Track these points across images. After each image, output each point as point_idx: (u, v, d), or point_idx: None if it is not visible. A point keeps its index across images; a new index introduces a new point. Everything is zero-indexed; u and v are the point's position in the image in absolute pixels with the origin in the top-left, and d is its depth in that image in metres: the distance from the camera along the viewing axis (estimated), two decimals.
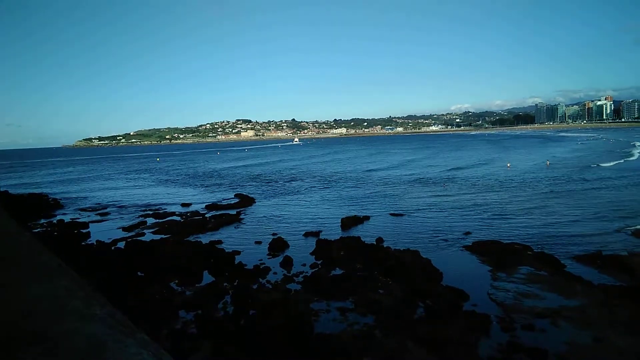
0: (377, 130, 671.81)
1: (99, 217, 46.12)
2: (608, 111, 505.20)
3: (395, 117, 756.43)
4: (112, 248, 31.09)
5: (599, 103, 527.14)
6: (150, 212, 47.15)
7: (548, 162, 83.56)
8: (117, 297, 18.43)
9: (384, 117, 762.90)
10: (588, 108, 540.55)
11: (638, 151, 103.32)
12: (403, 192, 55.19)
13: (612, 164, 78.08)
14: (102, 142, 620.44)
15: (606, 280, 21.62)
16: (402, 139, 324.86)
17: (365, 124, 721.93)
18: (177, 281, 24.01)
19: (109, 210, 50.16)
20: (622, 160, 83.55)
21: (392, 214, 40.92)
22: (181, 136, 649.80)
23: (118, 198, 61.27)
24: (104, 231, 38.65)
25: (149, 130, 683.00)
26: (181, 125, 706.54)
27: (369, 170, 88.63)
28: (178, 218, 43.33)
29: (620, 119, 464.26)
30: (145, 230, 37.90)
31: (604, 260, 24.24)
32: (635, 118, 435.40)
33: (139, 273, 24.89)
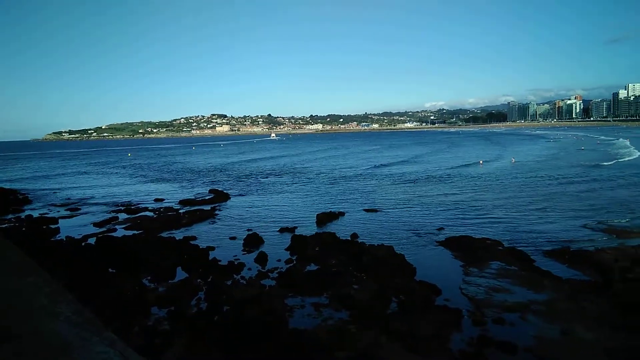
0: (353, 126, 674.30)
1: (68, 213, 45.05)
2: (577, 110, 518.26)
3: (371, 114, 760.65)
4: (83, 244, 30.45)
5: (568, 102, 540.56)
6: (122, 208, 46.29)
7: (513, 160, 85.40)
8: (87, 294, 18.11)
9: (360, 114, 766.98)
10: (558, 107, 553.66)
11: (605, 148, 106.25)
12: (378, 188, 55.57)
13: (581, 161, 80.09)
14: (72, 135, 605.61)
15: (574, 275, 22.22)
16: (379, 136, 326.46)
17: (342, 120, 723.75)
18: (149, 277, 23.68)
19: (80, 206, 49.07)
20: (591, 158, 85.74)
21: (366, 210, 41.16)
22: (155, 130, 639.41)
23: (89, 193, 60.00)
24: (74, 227, 37.80)
25: (122, 124, 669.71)
26: (155, 120, 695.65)
27: (345, 166, 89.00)
28: (151, 214, 42.69)
29: (589, 117, 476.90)
30: (116, 226, 37.23)
31: (572, 256, 24.89)
32: (604, 117, 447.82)
33: (110, 269, 24.46)
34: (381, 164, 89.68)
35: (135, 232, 34.22)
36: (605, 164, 73.45)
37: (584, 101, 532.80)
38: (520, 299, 19.22)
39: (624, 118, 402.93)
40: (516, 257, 24.96)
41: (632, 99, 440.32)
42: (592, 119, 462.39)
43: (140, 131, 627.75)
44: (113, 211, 44.66)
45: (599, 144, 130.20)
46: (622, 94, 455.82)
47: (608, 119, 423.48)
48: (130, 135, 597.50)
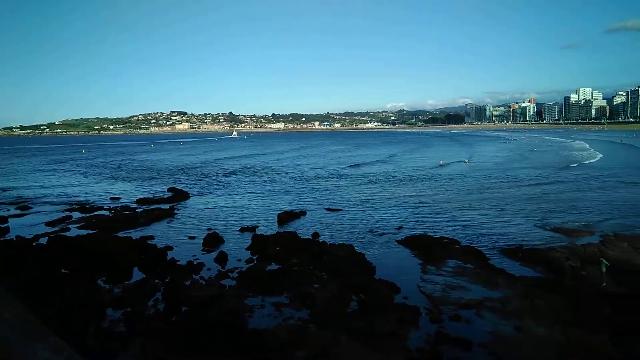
0: (315, 126, 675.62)
1: (19, 212, 43.24)
2: (531, 113, 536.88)
3: (333, 114, 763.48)
4: (34, 244, 29.28)
5: (523, 105, 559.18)
6: (76, 206, 44.79)
7: (467, 161, 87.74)
8: (38, 296, 17.43)
9: (322, 113, 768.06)
10: (513, 109, 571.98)
11: (564, 151, 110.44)
12: (340, 188, 55.90)
13: (535, 162, 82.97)
14: (23, 131, 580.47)
15: (526, 273, 23.02)
16: (347, 136, 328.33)
17: (304, 119, 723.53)
18: (104, 278, 23.04)
19: (31, 204, 47.14)
20: (545, 160, 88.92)
21: (328, 209, 41.34)
22: (111, 127, 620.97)
23: (41, 192, 57.71)
24: (24, 226, 36.34)
25: (76, 120, 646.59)
26: (111, 116, 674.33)
27: (308, 166, 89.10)
28: (107, 212, 41.49)
29: (542, 120, 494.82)
30: (70, 225, 36.00)
31: (524, 254, 25.81)
32: (556, 120, 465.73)
33: (63, 270, 23.61)
34: (351, 164, 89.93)
35: (90, 231, 33.16)
36: (572, 165, 76.12)
37: (537, 104, 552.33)
38: (476, 296, 19.75)
39: (574, 121, 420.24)
40: (472, 255, 25.65)
41: (582, 102, 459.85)
42: (544, 121, 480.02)
43: (95, 128, 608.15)
44: (67, 210, 43.13)
45: (550, 145, 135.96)
46: (573, 97, 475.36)
47: (560, 121, 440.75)
48: (85, 131, 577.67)
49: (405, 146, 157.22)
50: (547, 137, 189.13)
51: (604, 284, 20.37)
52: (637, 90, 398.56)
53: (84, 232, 33.08)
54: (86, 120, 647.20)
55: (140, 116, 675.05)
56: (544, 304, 18.59)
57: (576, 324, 16.60)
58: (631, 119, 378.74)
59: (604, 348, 14.98)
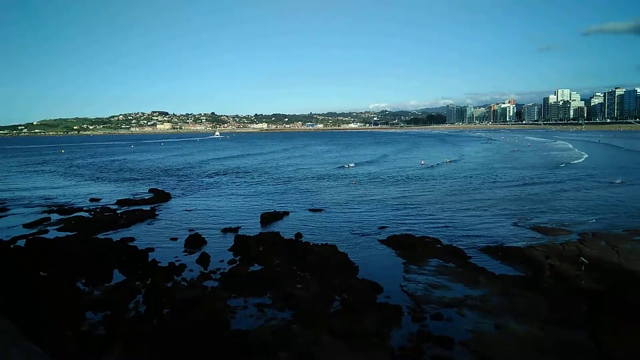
0: (298, 126, 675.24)
1: None
2: (511, 113, 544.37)
3: (316, 114, 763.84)
4: (11, 246, 28.63)
5: (503, 106, 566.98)
6: (55, 208, 44.06)
7: (448, 160, 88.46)
8: (15, 300, 17.08)
9: (305, 114, 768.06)
10: (493, 110, 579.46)
11: (549, 152, 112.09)
12: (322, 188, 55.96)
13: (521, 163, 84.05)
14: (1, 132, 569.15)
15: (506, 271, 23.34)
16: (332, 136, 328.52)
17: (287, 119, 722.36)
18: (84, 280, 22.70)
19: (8, 206, 46.20)
20: (530, 161, 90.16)
21: (311, 209, 41.34)
22: (91, 127, 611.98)
23: (19, 193, 56.63)
24: (2, 228, 35.69)
25: (55, 120, 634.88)
26: (91, 116, 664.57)
27: (289, 166, 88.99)
28: (86, 214, 40.86)
29: (522, 120, 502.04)
30: (49, 227, 35.39)
31: (504, 253, 26.15)
32: (535, 120, 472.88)
33: (41, 273, 23.14)
34: (337, 165, 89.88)
35: (69, 233, 32.66)
36: (560, 165, 77.20)
37: (517, 105, 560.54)
38: (457, 294, 19.95)
39: (553, 122, 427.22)
40: (453, 254, 25.92)
41: (560, 103, 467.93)
42: (524, 122, 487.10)
43: (75, 128, 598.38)
44: (45, 212, 42.41)
45: (529, 145, 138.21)
46: (552, 99, 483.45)
47: (539, 122, 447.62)
48: (64, 132, 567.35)
49: (391, 147, 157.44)
50: (529, 138, 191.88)
51: (583, 282, 20.74)
52: (614, 91, 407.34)
53: (63, 234, 32.55)
54: (65, 120, 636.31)
55: (121, 116, 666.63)
56: (524, 302, 18.86)
57: (555, 322, 16.87)
58: (608, 120, 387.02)
59: (583, 345, 15.25)
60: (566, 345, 15.20)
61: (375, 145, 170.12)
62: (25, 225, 36.10)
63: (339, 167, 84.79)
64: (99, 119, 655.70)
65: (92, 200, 49.65)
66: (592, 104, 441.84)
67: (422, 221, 35.47)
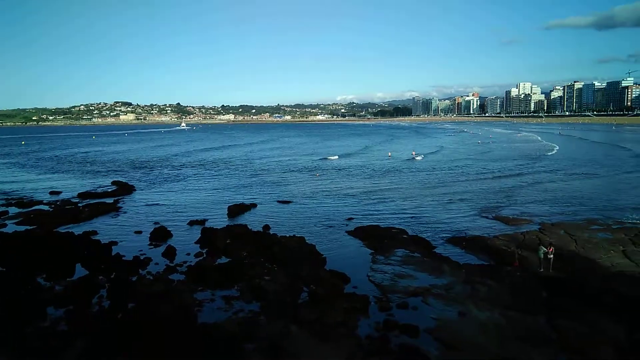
0: (266, 117, 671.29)
1: None
2: (475, 106, 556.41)
3: (283, 106, 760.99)
4: None
5: (467, 99, 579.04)
6: (13, 201, 42.53)
7: (414, 153, 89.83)
8: None
9: (272, 105, 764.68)
10: (458, 103, 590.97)
11: (509, 140, 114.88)
12: (290, 180, 55.89)
13: (480, 155, 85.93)
14: None
15: (470, 260, 23.95)
16: (295, 127, 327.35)
17: (254, 111, 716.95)
18: (44, 276, 22.04)
19: None
20: (488, 152, 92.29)
21: (279, 201, 41.27)
22: (50, 118, 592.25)
23: None
24: None
25: (12, 110, 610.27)
26: (50, 106, 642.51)
27: (258, 158, 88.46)
28: (46, 207, 39.62)
29: (485, 113, 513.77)
30: (7, 221, 34.11)
31: (468, 242, 26.82)
32: (497, 113, 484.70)
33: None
34: (308, 157, 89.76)
35: (28, 227, 31.59)
36: (533, 157, 79.22)
37: (480, 98, 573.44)
38: (423, 283, 20.35)
39: (515, 114, 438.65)
40: (419, 244, 26.40)
41: (522, 96, 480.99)
42: (487, 114, 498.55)
43: (34, 118, 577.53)
44: (3, 205, 40.85)
45: (492, 137, 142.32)
46: (514, 92, 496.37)
47: (501, 114, 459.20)
48: (22, 122, 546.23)
49: (366, 139, 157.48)
50: (496, 130, 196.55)
51: (542, 269, 21.47)
52: (573, 85, 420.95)
53: (22, 227, 31.47)
54: (23, 110, 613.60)
55: (82, 106, 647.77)
56: (486, 289, 19.40)
57: (515, 308, 17.43)
58: (567, 112, 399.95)
59: (541, 330, 15.82)
60: (526, 330, 15.72)
61: (354, 137, 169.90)
62: None
63: (311, 159, 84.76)
64: (59, 109, 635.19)
65: (52, 193, 48.11)
66: (552, 97, 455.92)
67: (389, 212, 35.93)
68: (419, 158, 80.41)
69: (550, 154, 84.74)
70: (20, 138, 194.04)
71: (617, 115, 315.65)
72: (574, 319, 16.18)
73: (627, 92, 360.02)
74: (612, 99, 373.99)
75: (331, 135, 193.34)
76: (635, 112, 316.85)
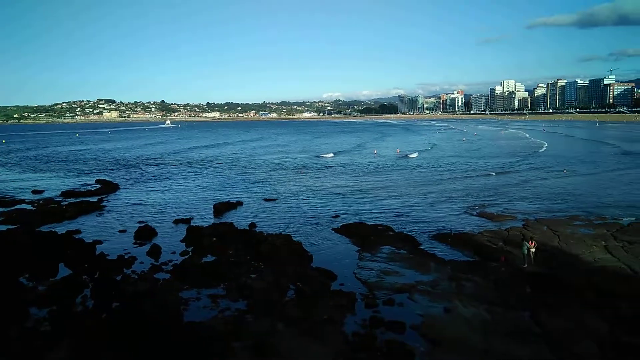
0: (252, 115, 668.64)
1: None
2: (460, 104, 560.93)
3: (269, 103, 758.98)
4: None
5: (452, 96, 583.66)
6: None
7: (398, 150, 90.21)
8: None
9: (258, 103, 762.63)
10: (443, 100, 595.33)
11: (495, 137, 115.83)
12: (277, 178, 55.75)
13: (464, 153, 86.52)
14: None
15: (455, 256, 24.15)
16: (281, 125, 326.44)
17: (240, 108, 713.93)
18: (27, 275, 21.73)
19: None
20: (475, 150, 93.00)
21: (265, 199, 41.16)
22: (32, 115, 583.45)
23: None
24: None
25: None
26: (32, 104, 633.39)
27: (245, 156, 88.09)
28: (29, 206, 39.05)
29: (470, 110, 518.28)
30: None
31: (454, 239, 27.04)
32: (482, 110, 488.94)
33: None
34: (292, 155, 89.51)
35: (10, 226, 31.05)
36: (520, 154, 79.84)
37: (465, 95, 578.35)
38: (409, 280, 20.47)
39: (499, 112, 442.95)
40: (405, 241, 26.54)
41: (506, 94, 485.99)
42: (472, 112, 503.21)
43: (15, 116, 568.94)
44: None
45: (476, 134, 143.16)
46: (498, 89, 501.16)
47: (486, 112, 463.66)
48: (3, 120, 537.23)
49: (356, 136, 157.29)
50: (481, 127, 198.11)
51: (526, 265, 21.73)
52: (556, 82, 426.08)
53: (4, 227, 30.94)
54: (5, 108, 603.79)
55: (65, 104, 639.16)
56: (471, 285, 19.58)
57: (500, 303, 17.63)
58: (550, 110, 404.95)
59: (525, 324, 16.02)
60: (510, 325, 15.91)
61: (345, 135, 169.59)
62: None
63: (291, 155, 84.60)
64: (41, 106, 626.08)
65: (35, 192, 47.40)
66: (535, 94, 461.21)
67: (375, 210, 36.05)
68: (412, 155, 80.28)
69: (541, 150, 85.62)
70: (1, 137, 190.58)
71: (600, 112, 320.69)
72: (558, 314, 16.42)
73: (609, 89, 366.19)
74: (594, 96, 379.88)
75: (321, 133, 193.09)
76: (617, 110, 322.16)
